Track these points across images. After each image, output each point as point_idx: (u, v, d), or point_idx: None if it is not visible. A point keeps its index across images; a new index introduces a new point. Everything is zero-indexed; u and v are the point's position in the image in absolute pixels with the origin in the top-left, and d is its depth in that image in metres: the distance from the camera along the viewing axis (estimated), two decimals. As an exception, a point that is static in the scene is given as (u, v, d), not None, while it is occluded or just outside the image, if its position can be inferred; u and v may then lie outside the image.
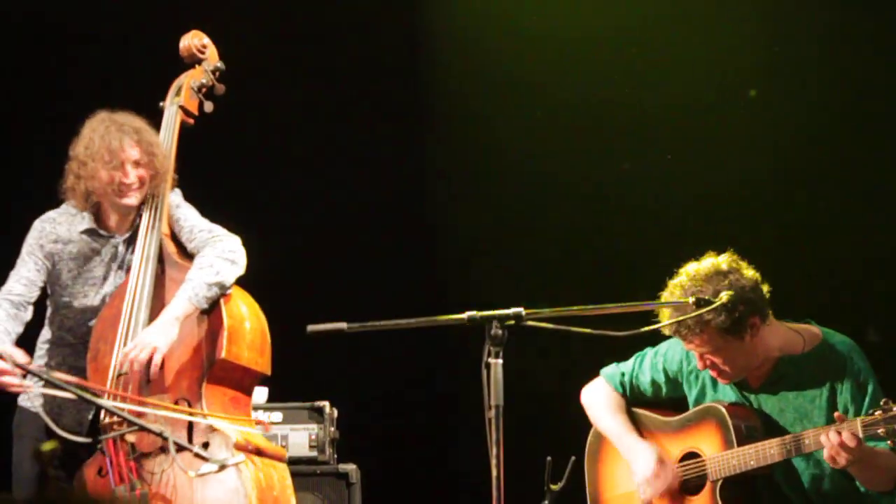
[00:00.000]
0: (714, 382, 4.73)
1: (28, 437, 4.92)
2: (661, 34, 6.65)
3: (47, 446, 4.44)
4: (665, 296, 4.56)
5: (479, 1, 7.04)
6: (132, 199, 4.95)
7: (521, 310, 3.80)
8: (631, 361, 4.94)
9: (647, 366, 4.88)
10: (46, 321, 5.08)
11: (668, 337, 4.70)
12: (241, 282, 4.96)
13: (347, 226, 7.00)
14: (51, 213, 5.08)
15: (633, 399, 4.93)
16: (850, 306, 6.05)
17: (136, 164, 4.92)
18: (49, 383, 4.51)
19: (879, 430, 4.22)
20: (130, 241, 5.02)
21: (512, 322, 3.78)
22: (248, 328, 4.89)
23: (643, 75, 6.72)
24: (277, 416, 5.79)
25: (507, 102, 6.97)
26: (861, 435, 4.24)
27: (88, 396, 4.46)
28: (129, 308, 4.86)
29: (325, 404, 5.83)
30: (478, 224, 7.02)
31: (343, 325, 3.95)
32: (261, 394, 5.61)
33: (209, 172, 6.09)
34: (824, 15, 6.33)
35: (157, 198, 5.00)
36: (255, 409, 5.35)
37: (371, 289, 6.77)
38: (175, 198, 5.12)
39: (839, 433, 4.25)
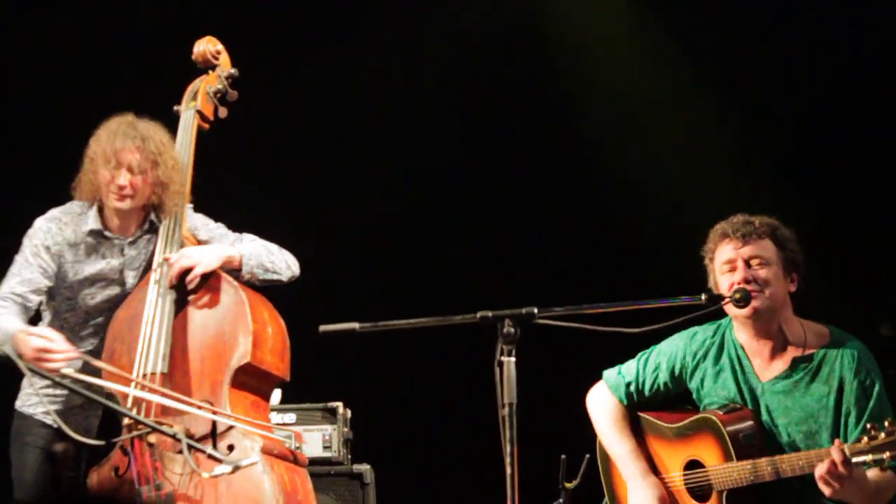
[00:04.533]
0: (716, 375, 4.71)
1: (32, 445, 4.90)
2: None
3: (59, 447, 4.44)
4: (722, 226, 4.64)
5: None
6: (124, 204, 4.91)
7: (533, 308, 3.80)
8: (633, 365, 4.90)
9: (650, 367, 4.86)
10: (45, 324, 5.00)
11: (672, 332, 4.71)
12: (254, 284, 4.98)
13: (359, 226, 7.01)
14: (55, 213, 5.03)
15: (640, 403, 4.90)
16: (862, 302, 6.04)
17: (133, 169, 4.89)
18: (83, 371, 4.48)
19: (867, 458, 4.21)
20: (134, 243, 5.01)
21: (524, 320, 3.78)
22: (270, 333, 4.91)
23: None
24: (291, 416, 5.81)
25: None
26: (853, 461, 4.24)
27: (105, 401, 4.45)
28: (152, 313, 4.85)
29: (339, 405, 5.84)
30: (486, 224, 7.03)
31: (355, 325, 3.97)
32: (274, 395, 5.62)
33: (221, 177, 6.08)
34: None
35: (173, 207, 4.98)
36: (270, 410, 5.36)
37: (383, 288, 6.78)
38: (198, 219, 5.14)
39: (833, 462, 4.24)
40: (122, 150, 4.88)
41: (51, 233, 4.96)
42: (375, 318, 3.97)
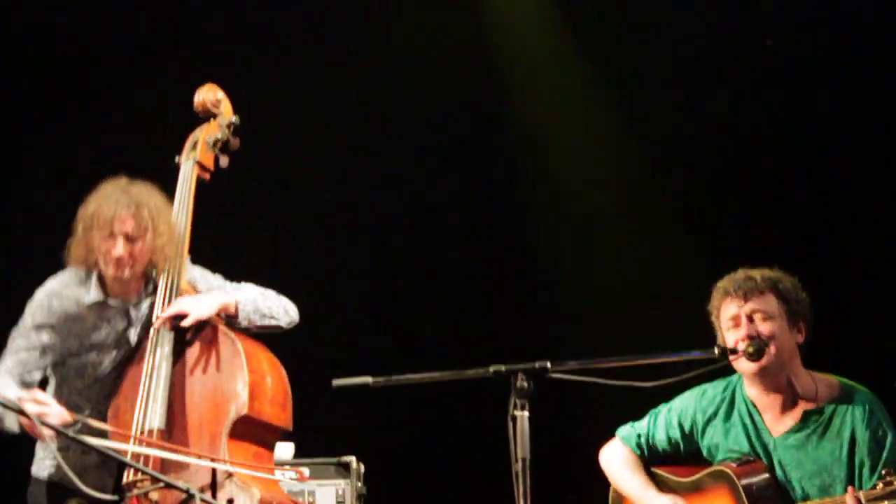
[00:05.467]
0: (727, 432, 4.71)
1: None
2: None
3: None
4: (724, 283, 4.66)
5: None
6: (123, 273, 4.86)
7: (546, 362, 3.81)
8: (645, 420, 4.92)
9: (661, 423, 4.87)
10: (51, 390, 4.95)
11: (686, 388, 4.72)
12: (264, 335, 4.99)
13: (370, 279, 7.03)
14: (54, 286, 4.94)
15: (652, 458, 4.91)
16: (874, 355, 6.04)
17: (129, 238, 4.83)
18: (83, 431, 4.48)
19: None
20: (138, 305, 4.97)
21: (537, 374, 3.79)
22: (269, 383, 4.88)
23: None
24: (303, 471, 5.79)
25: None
26: None
27: (113, 453, 4.44)
28: (149, 369, 4.83)
29: (352, 459, 5.81)
30: (502, 276, 7.05)
31: (368, 380, 3.98)
32: (286, 449, 5.61)
33: (223, 227, 6.12)
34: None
35: (170, 265, 4.94)
36: (282, 465, 5.35)
37: (395, 342, 6.79)
38: (196, 271, 5.11)
39: None
40: (116, 218, 4.80)
41: (51, 309, 4.90)
42: (389, 372, 3.98)
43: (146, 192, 4.91)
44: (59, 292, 4.93)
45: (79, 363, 4.93)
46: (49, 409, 4.55)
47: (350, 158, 7.21)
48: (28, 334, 4.88)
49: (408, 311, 7.02)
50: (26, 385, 4.82)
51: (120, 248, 4.81)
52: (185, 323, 4.82)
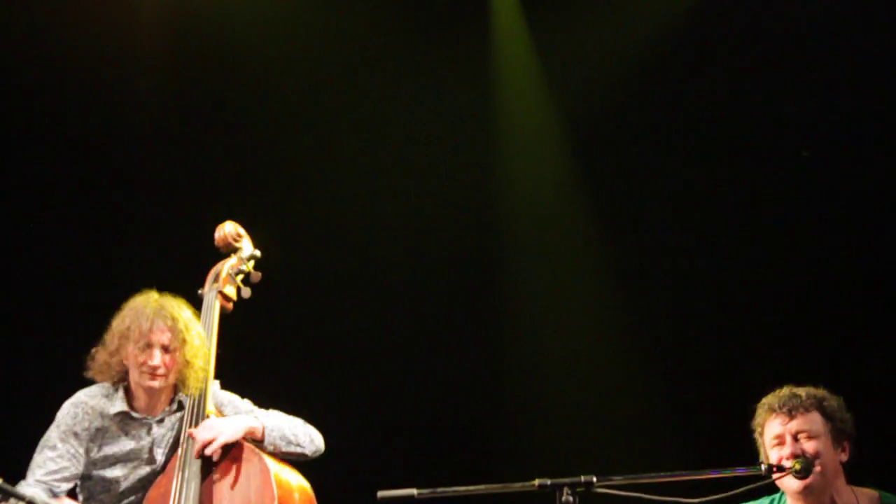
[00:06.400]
0: None
1: None
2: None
3: None
4: (769, 400, 4.62)
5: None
6: (157, 383, 4.96)
7: (592, 476, 3.81)
8: None
9: None
10: None
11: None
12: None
13: (409, 391, 7.04)
14: (81, 397, 5.04)
15: None
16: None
17: (165, 349, 4.94)
18: None
19: None
20: (161, 421, 5.03)
21: (583, 489, 3.79)
22: (296, 499, 4.91)
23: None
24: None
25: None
26: None
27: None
28: (178, 487, 4.87)
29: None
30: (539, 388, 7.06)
31: (413, 492, 3.98)
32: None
33: (249, 353, 6.17)
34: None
35: (198, 384, 5.01)
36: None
37: (439, 454, 6.77)
38: (224, 396, 5.18)
39: None
40: (153, 329, 4.93)
41: (77, 418, 4.97)
42: (433, 485, 3.98)
43: (178, 306, 5.05)
44: (86, 402, 5.02)
45: (104, 478, 4.97)
46: None
47: (368, 285, 7.29)
48: (55, 444, 4.94)
49: (444, 427, 7.02)
50: (55, 495, 4.86)
51: (157, 357, 4.92)
52: (211, 449, 4.88)
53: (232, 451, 4.94)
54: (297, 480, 4.97)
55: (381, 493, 4.00)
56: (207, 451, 4.88)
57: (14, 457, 4.98)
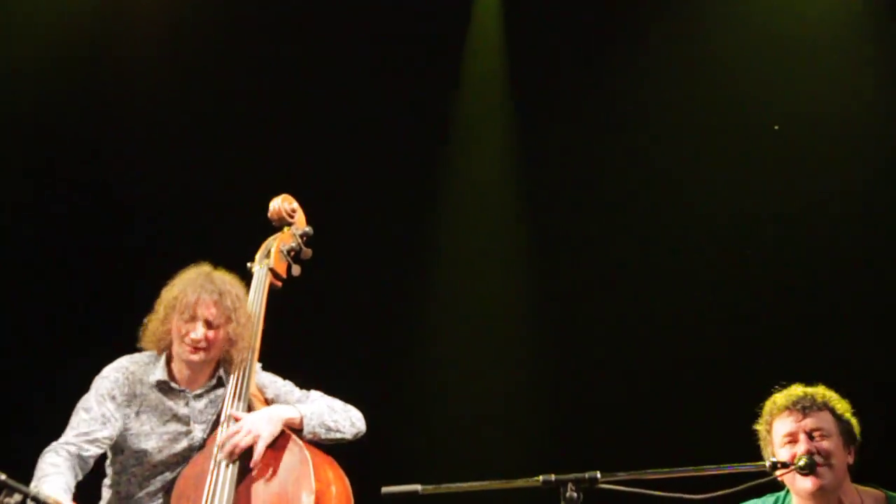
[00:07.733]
0: None
1: None
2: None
3: None
4: (780, 398, 4.62)
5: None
6: (197, 357, 4.91)
7: (596, 473, 3.81)
8: None
9: None
10: (109, 481, 4.99)
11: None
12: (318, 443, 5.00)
13: (417, 388, 7.06)
14: (123, 362, 4.99)
15: None
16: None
17: (209, 323, 4.90)
18: None
19: None
20: (199, 397, 4.99)
21: (587, 485, 3.78)
22: (334, 492, 4.86)
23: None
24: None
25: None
26: None
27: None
28: (215, 472, 4.83)
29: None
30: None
31: (417, 487, 3.98)
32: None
33: (290, 335, 6.17)
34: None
35: (242, 363, 4.98)
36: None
37: (442, 448, 6.78)
38: (266, 377, 5.13)
39: None
40: (198, 302, 4.88)
41: (118, 382, 4.92)
42: (438, 480, 3.98)
43: (229, 281, 4.99)
44: (127, 367, 4.98)
45: (138, 448, 4.92)
46: None
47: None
48: (90, 405, 4.88)
49: (456, 420, 7.03)
50: (83, 459, 4.79)
51: (200, 331, 4.88)
52: (257, 455, 4.81)
53: (275, 440, 4.89)
54: (336, 474, 4.92)
55: (385, 489, 4.00)
56: (254, 460, 4.80)
57: (15, 456, 4.96)
